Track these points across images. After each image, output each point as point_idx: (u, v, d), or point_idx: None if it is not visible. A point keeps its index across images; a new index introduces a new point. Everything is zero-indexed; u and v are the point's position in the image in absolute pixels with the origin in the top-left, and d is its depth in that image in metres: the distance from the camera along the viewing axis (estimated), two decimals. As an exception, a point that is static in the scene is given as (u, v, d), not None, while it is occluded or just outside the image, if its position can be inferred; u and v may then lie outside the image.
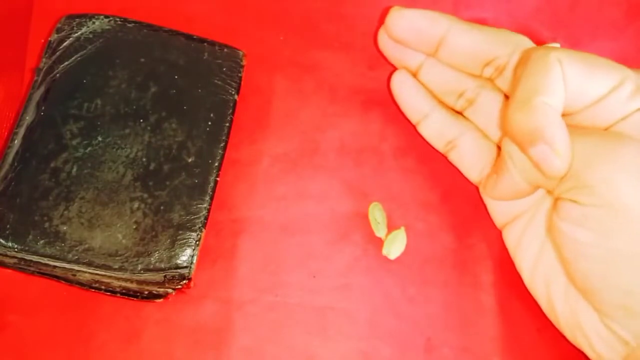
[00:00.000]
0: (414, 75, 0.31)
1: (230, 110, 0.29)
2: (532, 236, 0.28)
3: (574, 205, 0.24)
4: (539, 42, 0.34)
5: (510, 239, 0.29)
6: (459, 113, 0.31)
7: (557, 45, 0.34)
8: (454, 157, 0.30)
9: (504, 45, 0.27)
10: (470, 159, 0.30)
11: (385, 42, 0.30)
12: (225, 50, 0.30)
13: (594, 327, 0.25)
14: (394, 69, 0.31)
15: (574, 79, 0.24)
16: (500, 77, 0.28)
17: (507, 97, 0.29)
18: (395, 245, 0.29)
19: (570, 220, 0.24)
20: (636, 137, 0.23)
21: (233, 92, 0.29)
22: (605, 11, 0.36)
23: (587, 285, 0.24)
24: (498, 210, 0.29)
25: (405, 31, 0.28)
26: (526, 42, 0.27)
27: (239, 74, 0.30)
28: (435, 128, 0.30)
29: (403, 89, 0.30)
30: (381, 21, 0.33)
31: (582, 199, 0.23)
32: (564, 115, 0.25)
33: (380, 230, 0.29)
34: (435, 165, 0.31)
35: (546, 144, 0.23)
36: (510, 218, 0.29)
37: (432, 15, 0.28)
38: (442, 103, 0.30)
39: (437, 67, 0.30)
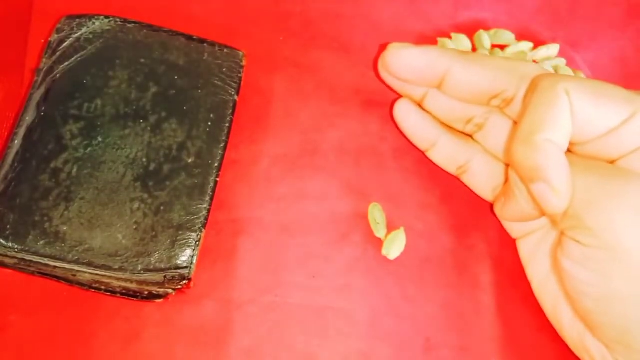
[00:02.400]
0: (419, 103, 0.30)
1: (230, 111, 0.29)
2: (544, 253, 0.28)
3: (576, 244, 0.23)
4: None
5: (523, 252, 0.29)
6: (469, 135, 0.30)
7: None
8: (466, 180, 0.30)
9: (510, 80, 0.26)
10: (482, 180, 0.29)
11: (386, 76, 0.29)
12: (225, 50, 0.30)
13: (600, 352, 0.25)
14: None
15: (583, 110, 0.23)
16: (508, 107, 0.27)
17: (516, 123, 0.28)
18: (394, 246, 0.29)
19: (572, 259, 0.24)
20: None
21: (233, 93, 0.29)
22: (605, 11, 0.36)
23: (588, 320, 0.24)
24: (512, 225, 0.29)
25: (404, 71, 0.28)
26: (534, 71, 0.26)
27: (239, 75, 0.30)
28: (445, 154, 0.30)
29: (407, 119, 0.30)
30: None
31: (583, 239, 0.23)
32: (573, 144, 0.25)
33: (379, 231, 0.29)
34: (434, 166, 0.31)
35: (545, 183, 0.23)
36: (524, 233, 0.29)
37: (431, 54, 0.27)
38: (449, 128, 0.30)
39: (441, 97, 0.29)
